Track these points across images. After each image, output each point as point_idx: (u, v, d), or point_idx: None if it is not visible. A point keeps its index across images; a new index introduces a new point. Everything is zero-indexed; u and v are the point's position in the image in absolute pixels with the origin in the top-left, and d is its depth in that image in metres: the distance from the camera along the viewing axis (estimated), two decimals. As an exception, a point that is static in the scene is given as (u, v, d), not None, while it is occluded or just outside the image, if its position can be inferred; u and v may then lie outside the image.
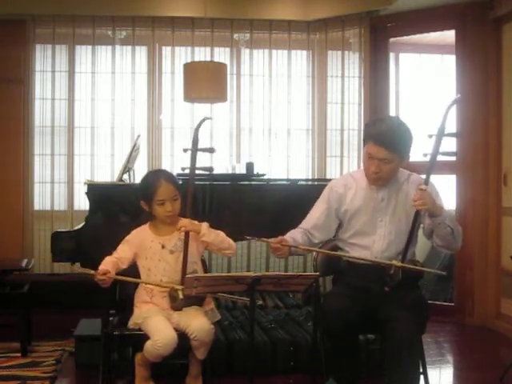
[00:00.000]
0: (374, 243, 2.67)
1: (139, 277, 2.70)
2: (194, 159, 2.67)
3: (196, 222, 2.65)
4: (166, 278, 2.64)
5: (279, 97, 5.13)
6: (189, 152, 2.70)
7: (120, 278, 2.59)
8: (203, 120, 2.74)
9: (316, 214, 2.78)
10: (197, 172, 2.72)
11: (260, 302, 2.35)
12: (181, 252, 2.64)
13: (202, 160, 2.73)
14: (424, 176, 2.57)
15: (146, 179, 2.77)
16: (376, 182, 2.66)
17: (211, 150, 2.80)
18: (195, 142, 2.68)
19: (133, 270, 2.70)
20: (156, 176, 2.73)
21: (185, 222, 2.60)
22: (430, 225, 2.58)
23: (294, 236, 2.71)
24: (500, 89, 4.38)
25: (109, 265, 2.59)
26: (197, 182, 2.95)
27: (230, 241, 2.72)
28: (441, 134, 2.52)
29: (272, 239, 2.61)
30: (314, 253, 2.82)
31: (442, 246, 2.63)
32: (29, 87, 4.87)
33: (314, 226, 2.77)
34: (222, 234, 2.70)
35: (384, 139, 2.54)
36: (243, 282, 2.26)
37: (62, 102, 4.94)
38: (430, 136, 2.53)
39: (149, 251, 2.69)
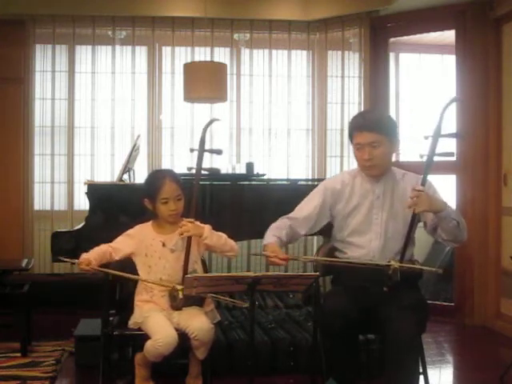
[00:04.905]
0: (370, 242, 2.66)
1: (136, 275, 2.69)
2: (200, 160, 2.67)
3: (199, 223, 2.64)
4: (165, 277, 2.64)
5: (279, 97, 5.14)
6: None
7: (109, 271, 2.58)
8: (211, 121, 2.74)
9: (310, 206, 2.74)
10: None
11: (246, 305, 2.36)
12: (181, 251, 2.64)
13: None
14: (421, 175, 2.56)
15: (151, 177, 2.79)
16: (371, 170, 2.64)
17: (219, 152, 2.77)
18: (202, 142, 2.67)
19: (130, 269, 2.70)
20: (161, 174, 2.74)
21: (187, 227, 2.59)
22: (434, 220, 2.56)
23: (280, 235, 2.66)
24: (500, 89, 4.38)
25: (95, 254, 2.60)
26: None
27: (232, 243, 2.71)
28: (437, 135, 2.50)
29: (269, 252, 2.53)
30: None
31: (447, 240, 2.59)
32: (29, 87, 4.87)
33: (305, 217, 2.72)
34: (224, 236, 2.70)
35: (367, 123, 2.60)
36: (243, 282, 2.26)
37: (62, 102, 4.94)
38: (426, 137, 2.52)
39: (149, 248, 2.69)
